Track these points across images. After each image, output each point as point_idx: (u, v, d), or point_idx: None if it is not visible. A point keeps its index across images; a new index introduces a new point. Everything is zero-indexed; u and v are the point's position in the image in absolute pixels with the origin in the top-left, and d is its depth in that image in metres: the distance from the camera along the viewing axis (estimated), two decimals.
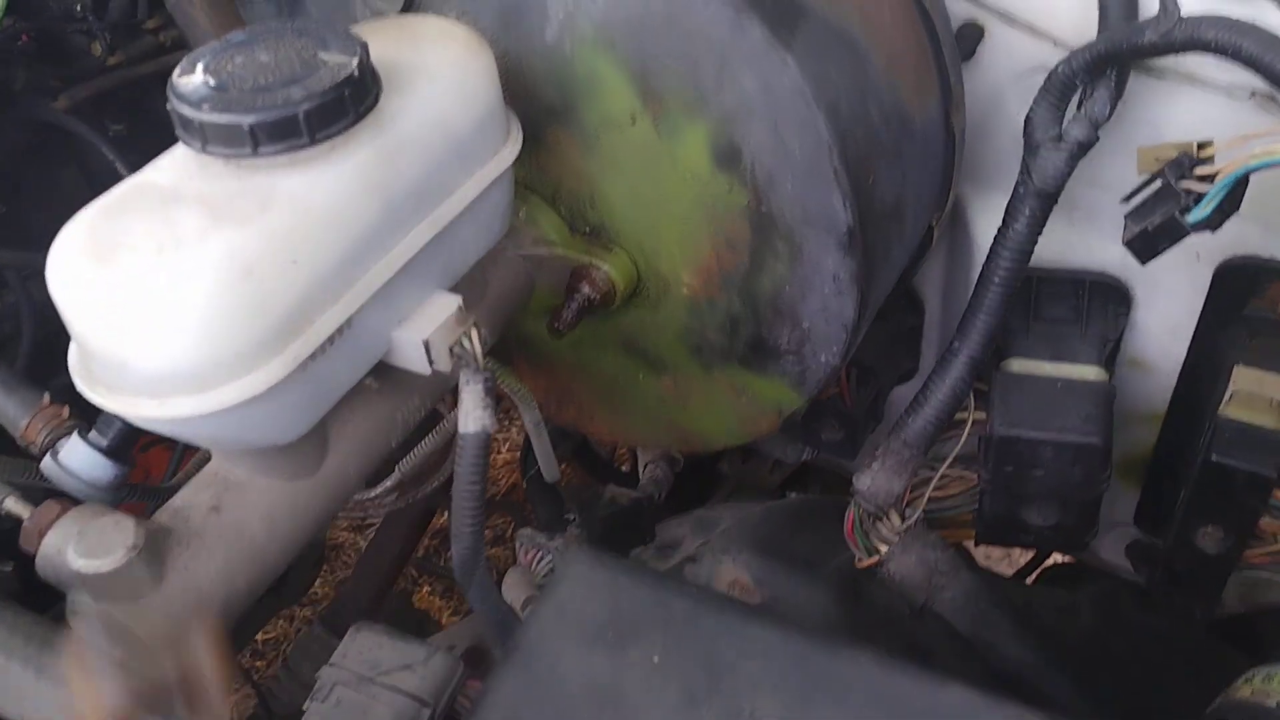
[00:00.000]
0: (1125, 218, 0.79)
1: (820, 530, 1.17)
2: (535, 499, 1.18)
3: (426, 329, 0.63)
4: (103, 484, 0.70)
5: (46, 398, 0.72)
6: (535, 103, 0.75)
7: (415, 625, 1.34)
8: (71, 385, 1.18)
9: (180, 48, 1.31)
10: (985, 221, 1.00)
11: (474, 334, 0.64)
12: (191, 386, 0.53)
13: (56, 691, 0.48)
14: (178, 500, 0.62)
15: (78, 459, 0.69)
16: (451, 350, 0.63)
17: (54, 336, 1.21)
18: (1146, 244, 0.76)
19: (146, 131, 1.35)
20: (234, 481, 0.63)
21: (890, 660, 0.54)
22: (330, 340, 0.57)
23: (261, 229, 0.53)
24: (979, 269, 1.03)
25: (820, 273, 0.75)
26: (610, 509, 1.11)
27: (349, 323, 0.58)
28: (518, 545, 1.06)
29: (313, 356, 0.56)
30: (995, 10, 0.88)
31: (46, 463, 0.70)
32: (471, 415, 0.63)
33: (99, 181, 1.38)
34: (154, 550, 0.57)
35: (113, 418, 0.71)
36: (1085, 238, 0.97)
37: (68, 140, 1.30)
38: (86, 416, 0.74)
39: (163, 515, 0.61)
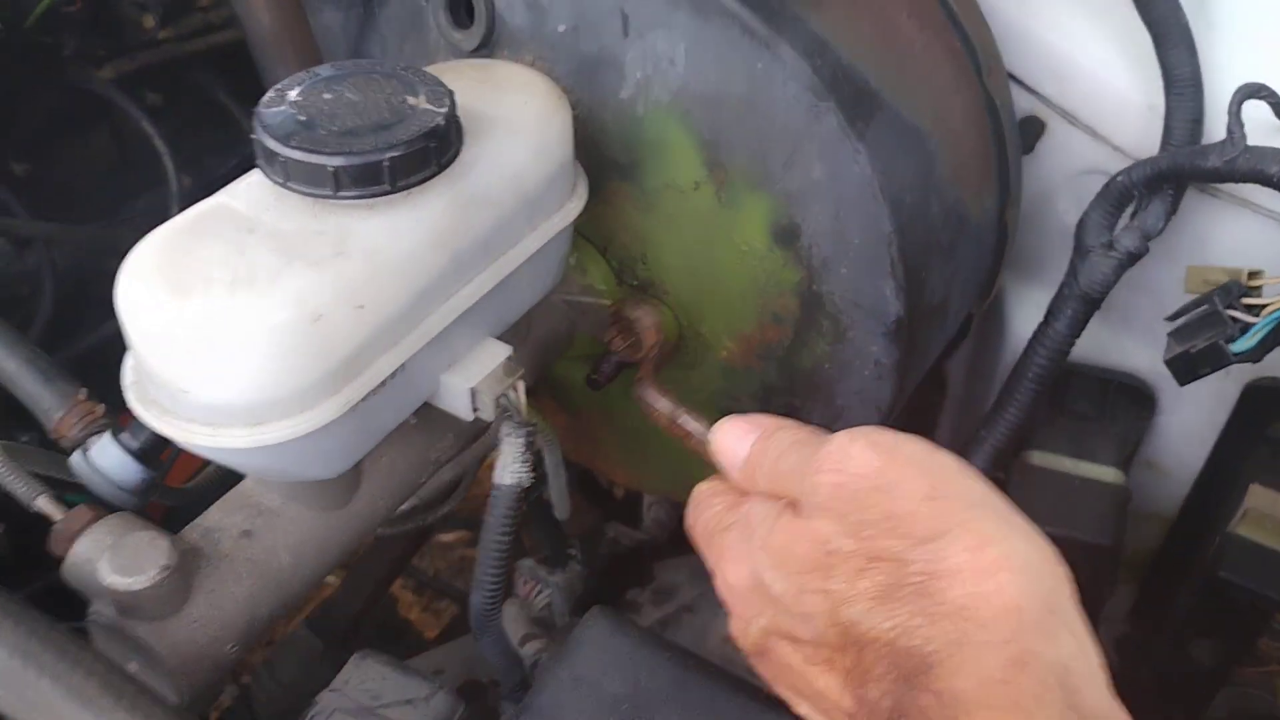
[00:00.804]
0: (1168, 336, 0.79)
1: None
2: (536, 528, 1.19)
3: (475, 377, 0.63)
4: (129, 486, 0.70)
5: (84, 392, 0.72)
6: (600, 156, 0.75)
7: (399, 636, 1.34)
8: (84, 358, 1.17)
9: (229, 27, 1.32)
10: (1021, 312, 1.01)
11: (520, 387, 0.64)
12: (246, 420, 0.53)
13: (81, 709, 0.47)
14: (208, 520, 0.62)
15: (108, 460, 0.69)
16: (497, 401, 0.63)
17: (72, 304, 1.22)
18: (1187, 366, 0.77)
19: (184, 105, 1.35)
20: (266, 507, 0.63)
21: None
22: (383, 384, 0.57)
23: (334, 274, 0.53)
24: (1008, 355, 1.04)
25: (862, 357, 0.75)
26: (612, 548, 1.12)
27: (403, 367, 0.58)
28: (517, 576, 1.06)
29: (365, 399, 0.56)
30: (1059, 108, 0.89)
31: (76, 459, 0.70)
32: (509, 469, 0.63)
33: (131, 151, 1.38)
34: (184, 570, 0.58)
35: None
36: (1118, 338, 0.98)
37: (104, 108, 1.29)
38: (112, 409, 0.74)
39: (193, 534, 0.61)
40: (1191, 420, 0.99)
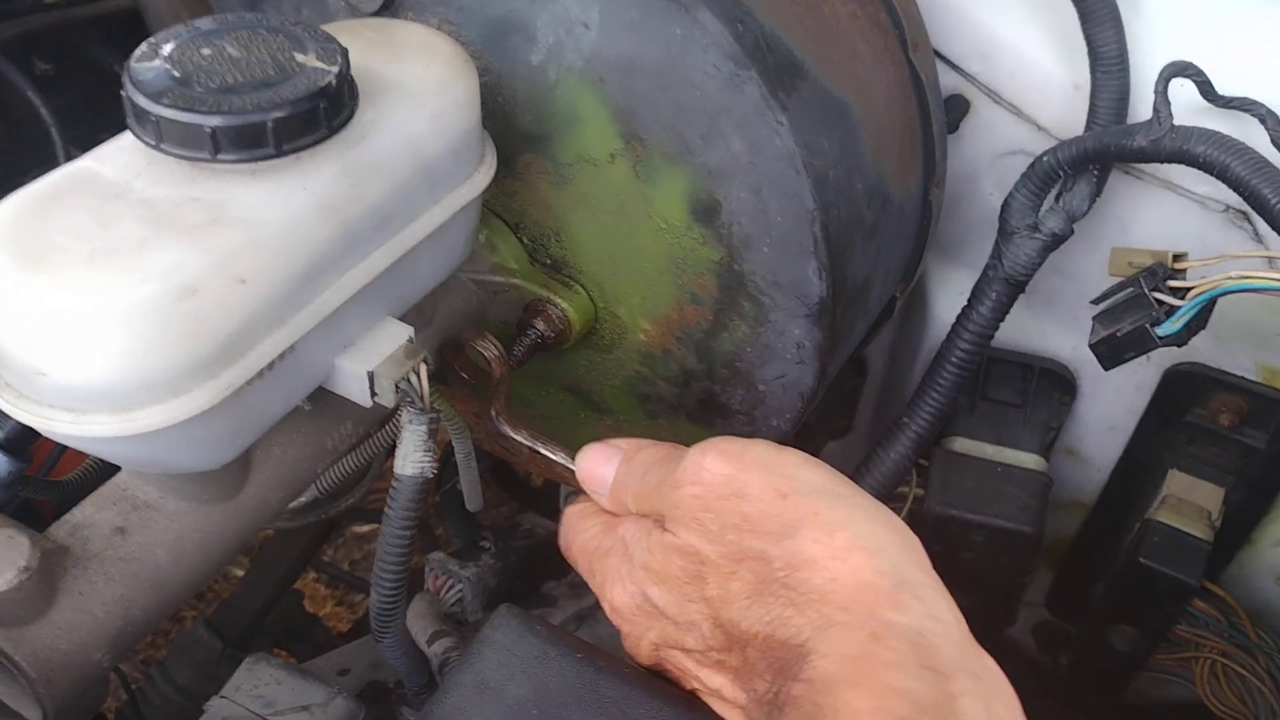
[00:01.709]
0: (1094, 320, 0.78)
1: None
2: (448, 520, 1.14)
3: (372, 360, 0.59)
4: None
5: None
6: (511, 127, 0.71)
7: (306, 633, 1.28)
8: None
9: None
10: (943, 294, 0.99)
11: (422, 370, 0.60)
12: (112, 406, 0.48)
13: None
14: (78, 515, 0.57)
15: None
16: (397, 386, 0.59)
17: None
18: (1112, 350, 0.75)
19: (74, 74, 1.28)
20: (143, 501, 0.58)
21: None
22: (270, 366, 0.53)
23: (210, 244, 0.49)
24: (929, 339, 1.03)
25: (784, 340, 0.72)
26: (527, 539, 1.08)
27: (292, 349, 0.54)
28: (427, 570, 1.02)
29: (249, 383, 0.52)
30: (984, 87, 0.87)
31: None
32: (410, 458, 0.59)
33: (18, 123, 1.30)
34: (48, 571, 0.52)
35: None
36: (1040, 323, 0.97)
37: None
38: None
39: (60, 531, 0.56)
40: (1111, 407, 0.98)
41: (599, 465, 0.60)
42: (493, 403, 0.71)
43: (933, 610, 0.47)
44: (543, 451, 0.69)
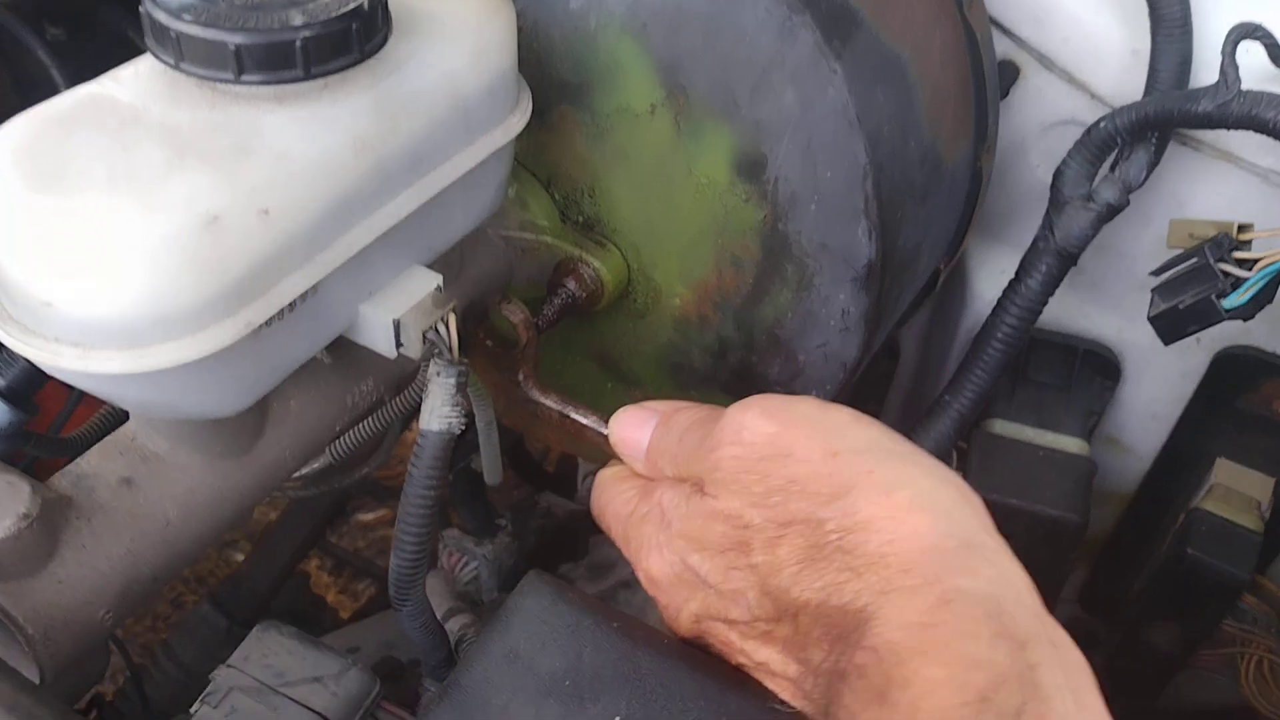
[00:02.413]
0: (1153, 292, 0.74)
1: None
2: (461, 498, 1.11)
3: (399, 308, 0.55)
4: None
5: None
6: (547, 75, 0.67)
7: (312, 612, 1.25)
8: None
9: None
10: (984, 273, 0.95)
11: (451, 321, 0.56)
12: (124, 341, 0.44)
13: None
14: (83, 465, 0.53)
15: None
16: (425, 335, 0.55)
17: None
18: (1174, 324, 0.72)
19: (89, 44, 1.24)
20: (152, 453, 0.54)
21: None
22: (291, 306, 0.49)
23: (234, 171, 0.45)
24: (968, 320, 0.99)
25: (829, 307, 0.69)
26: (545, 519, 1.04)
27: (315, 289, 0.50)
28: (441, 547, 0.98)
29: (268, 323, 0.48)
30: (1036, 52, 0.84)
31: None
32: (437, 413, 0.56)
33: (28, 87, 1.27)
34: (50, 522, 0.49)
35: (15, 357, 0.62)
36: (1085, 303, 0.93)
37: None
38: None
39: (63, 481, 0.53)
40: (1157, 392, 0.95)
41: (633, 429, 0.57)
42: (520, 367, 0.68)
43: (1004, 574, 0.43)
44: (573, 415, 0.65)
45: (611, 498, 0.57)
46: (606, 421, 0.61)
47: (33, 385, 0.61)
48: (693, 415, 0.54)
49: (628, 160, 0.69)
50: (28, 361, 0.60)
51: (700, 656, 0.52)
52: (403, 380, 0.68)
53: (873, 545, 0.44)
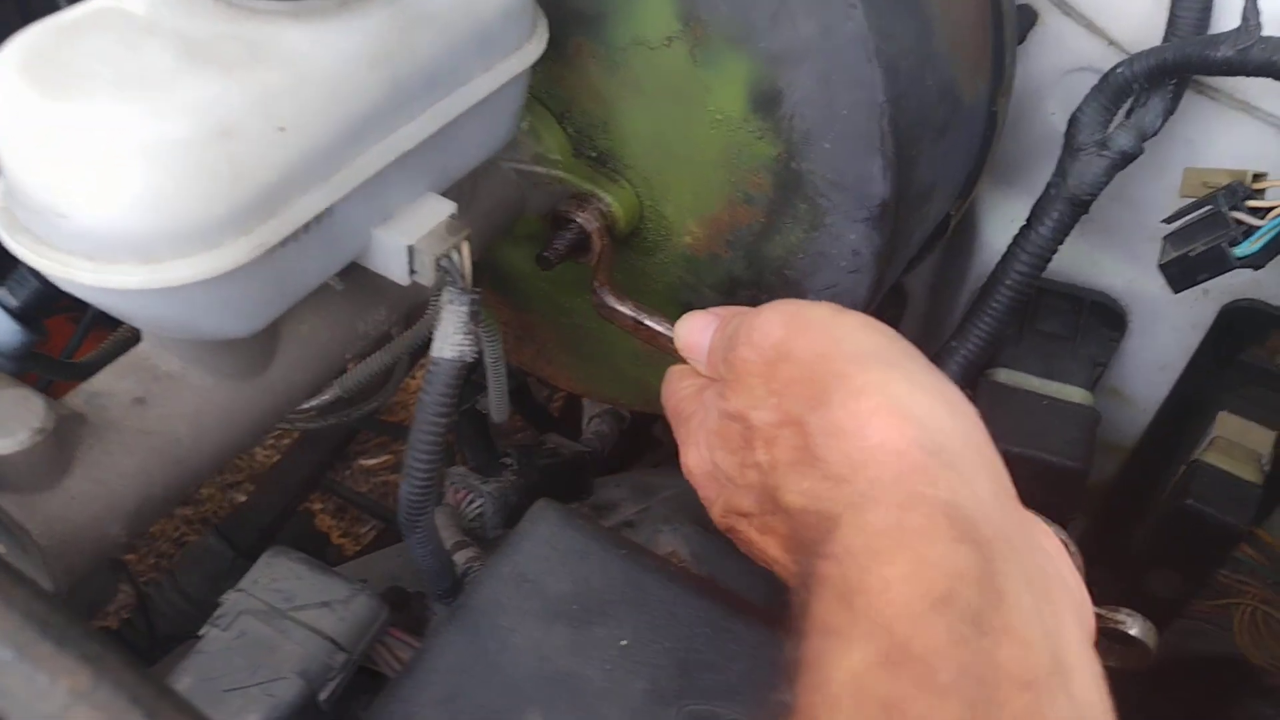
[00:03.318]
0: (1164, 240, 0.74)
1: None
2: (466, 436, 1.11)
3: (413, 234, 0.55)
4: (6, 350, 0.61)
5: None
6: (562, 5, 0.66)
7: (316, 549, 1.26)
8: None
9: None
10: (994, 219, 0.95)
11: (465, 248, 0.56)
12: (138, 255, 0.44)
13: (34, 677, 0.39)
14: (96, 384, 0.53)
15: None
16: (438, 262, 0.55)
17: None
18: (1184, 271, 0.72)
19: None
20: (164, 372, 0.54)
21: None
22: (305, 228, 0.49)
23: (249, 82, 0.45)
24: (977, 267, 0.99)
25: (840, 245, 0.69)
26: (551, 458, 1.04)
27: (329, 211, 0.50)
28: (447, 483, 0.99)
29: (283, 243, 0.48)
30: None
31: None
32: (450, 340, 0.56)
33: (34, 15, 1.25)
34: (63, 437, 0.49)
35: (26, 276, 0.62)
36: (1093, 253, 0.93)
37: None
38: None
39: (76, 399, 0.53)
40: (1162, 344, 0.95)
41: (696, 334, 0.59)
42: (595, 274, 0.69)
43: (969, 482, 0.43)
44: (647, 322, 0.66)
45: (671, 392, 0.60)
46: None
47: (43, 307, 0.61)
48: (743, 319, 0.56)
49: (642, 93, 0.68)
50: (39, 282, 0.60)
51: (706, 584, 0.53)
52: (413, 312, 0.68)
53: (846, 451, 0.45)
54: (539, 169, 0.71)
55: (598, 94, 0.70)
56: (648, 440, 1.43)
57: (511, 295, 0.86)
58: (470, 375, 1.28)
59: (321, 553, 1.29)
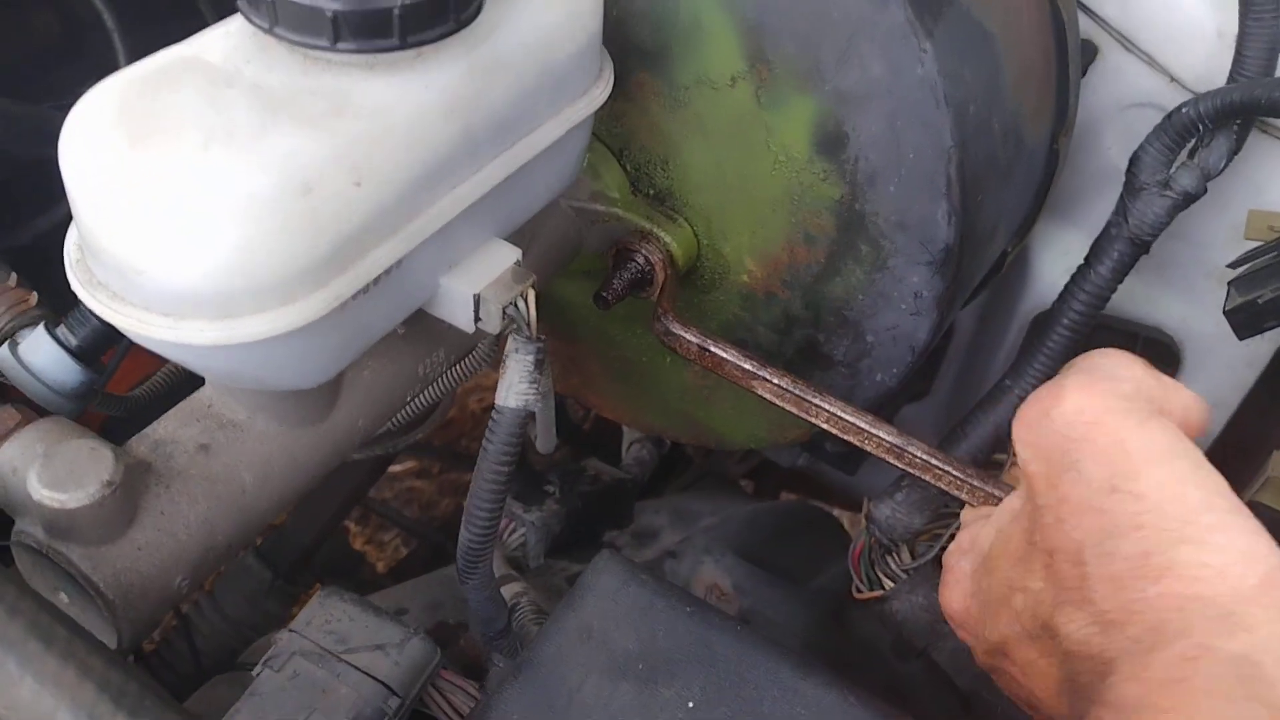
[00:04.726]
0: (1230, 285, 0.73)
1: (806, 542, 1.11)
2: None
3: (479, 282, 0.54)
4: (66, 389, 0.60)
5: (13, 278, 0.62)
6: (625, 41, 0.66)
7: (352, 569, 1.26)
8: (16, 251, 1.07)
9: None
10: (1048, 254, 0.94)
11: (530, 296, 0.55)
12: (215, 311, 0.44)
13: (4, 659, 0.39)
14: (160, 431, 0.53)
15: (42, 357, 0.59)
16: (504, 311, 0.54)
17: (11, 188, 1.10)
18: (1251, 319, 0.70)
19: None
20: (229, 420, 0.54)
21: None
22: (377, 279, 0.48)
23: (328, 138, 0.44)
24: (1027, 301, 0.98)
25: (901, 288, 0.68)
26: (592, 485, 1.04)
27: (400, 263, 0.49)
28: None
29: (355, 295, 0.48)
30: (1116, 32, 0.82)
31: (2, 353, 0.60)
32: (515, 389, 0.55)
33: (75, 28, 1.26)
34: (130, 488, 0.49)
35: (86, 315, 0.61)
36: (1150, 288, 0.92)
37: None
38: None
39: (141, 446, 0.52)
40: (1217, 382, 0.93)
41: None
42: (658, 303, 0.69)
43: (1271, 642, 0.40)
44: (713, 349, 0.66)
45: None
46: (745, 355, 0.65)
47: (103, 346, 0.61)
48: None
49: (705, 132, 0.67)
50: (99, 322, 0.60)
51: (773, 644, 0.52)
52: (466, 351, 0.67)
53: (1128, 598, 0.43)
54: (597, 206, 0.70)
55: (658, 132, 0.69)
56: (680, 458, 1.42)
57: (559, 326, 0.85)
58: None
59: (357, 571, 1.29)
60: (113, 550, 0.48)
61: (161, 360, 0.69)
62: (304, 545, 1.09)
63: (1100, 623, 0.43)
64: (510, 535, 0.95)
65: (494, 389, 0.56)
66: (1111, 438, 0.46)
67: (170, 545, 0.50)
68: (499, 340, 0.66)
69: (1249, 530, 0.43)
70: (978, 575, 0.51)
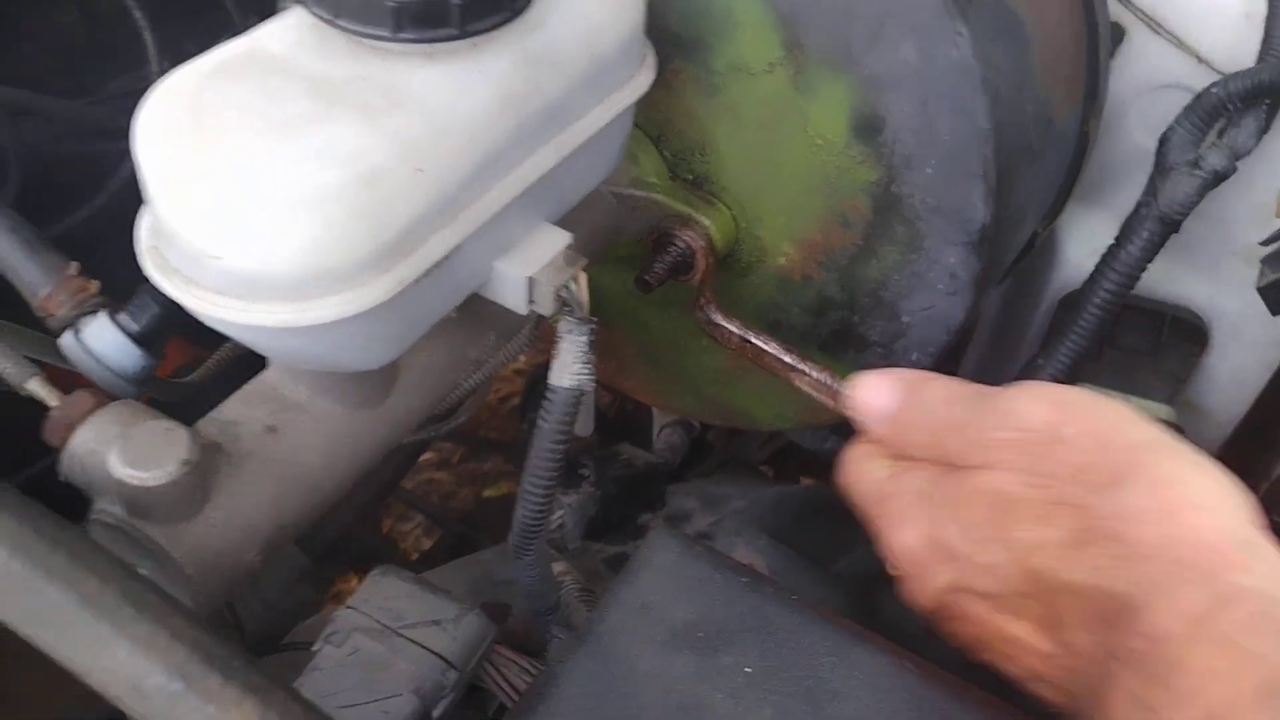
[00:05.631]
0: (1262, 262, 0.74)
1: (831, 525, 1.12)
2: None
3: (533, 265, 0.56)
4: (128, 373, 0.62)
5: (75, 267, 0.64)
6: (662, 30, 0.67)
7: (385, 553, 1.28)
8: (58, 240, 1.09)
9: None
10: (1074, 236, 0.95)
11: (582, 279, 0.57)
12: (287, 295, 0.46)
13: (96, 619, 0.41)
14: (227, 412, 0.55)
15: (104, 342, 0.61)
16: (557, 293, 0.56)
17: (42, 182, 1.12)
18: None
19: None
20: (293, 401, 0.56)
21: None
22: (437, 264, 0.50)
23: (392, 128, 0.46)
24: (1054, 283, 0.99)
25: (937, 269, 0.69)
26: (625, 469, 1.05)
27: (459, 247, 0.51)
28: None
29: (418, 279, 0.49)
30: (1143, 14, 0.83)
31: (67, 340, 0.62)
32: (569, 369, 0.57)
33: (99, 20, 1.28)
34: (203, 467, 0.50)
35: (147, 302, 0.63)
36: (1175, 268, 0.93)
37: None
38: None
39: (209, 428, 0.54)
40: (1244, 360, 0.94)
41: (878, 394, 0.57)
42: (700, 292, 0.70)
43: (1276, 572, 0.43)
44: (753, 340, 0.67)
45: (862, 474, 0.58)
46: (785, 348, 0.66)
47: (164, 331, 0.63)
48: (947, 390, 0.56)
49: (741, 118, 0.69)
50: (159, 307, 0.61)
51: (827, 612, 0.53)
52: (515, 332, 0.69)
53: (1146, 537, 0.45)
54: (636, 192, 0.72)
55: (695, 118, 0.70)
56: (703, 444, 1.44)
57: (593, 312, 0.87)
58: (539, 384, 1.29)
59: (390, 556, 1.31)
60: (189, 527, 0.50)
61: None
62: (341, 530, 1.11)
63: (1122, 557, 0.45)
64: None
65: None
66: (1086, 405, 0.50)
67: (242, 523, 0.52)
68: (538, 325, 0.68)
69: (1217, 466, 0.47)
70: (937, 522, 0.52)
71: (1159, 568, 0.44)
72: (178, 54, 1.23)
